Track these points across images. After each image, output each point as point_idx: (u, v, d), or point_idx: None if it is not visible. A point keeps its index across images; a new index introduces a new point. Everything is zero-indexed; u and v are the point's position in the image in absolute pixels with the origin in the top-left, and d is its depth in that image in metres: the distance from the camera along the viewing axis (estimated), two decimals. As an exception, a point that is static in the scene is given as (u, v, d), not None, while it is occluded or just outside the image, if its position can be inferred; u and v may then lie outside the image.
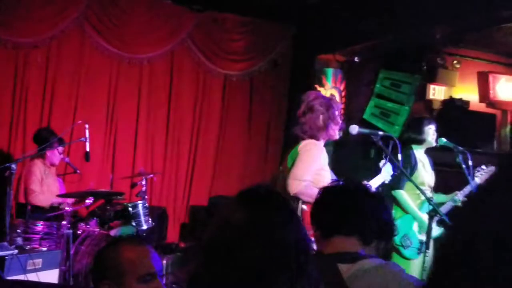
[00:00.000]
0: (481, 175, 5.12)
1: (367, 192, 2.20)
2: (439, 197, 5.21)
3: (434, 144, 5.16)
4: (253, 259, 1.50)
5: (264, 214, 1.57)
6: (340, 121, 4.12)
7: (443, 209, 4.93)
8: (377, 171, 4.35)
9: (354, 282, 1.90)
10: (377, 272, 1.94)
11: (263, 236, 1.53)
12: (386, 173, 4.32)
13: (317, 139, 4.03)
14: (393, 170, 4.27)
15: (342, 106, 7.62)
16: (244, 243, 1.52)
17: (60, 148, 5.94)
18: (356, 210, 2.10)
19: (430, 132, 5.13)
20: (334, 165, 4.28)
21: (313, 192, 3.80)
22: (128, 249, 2.16)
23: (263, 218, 1.56)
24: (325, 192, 2.22)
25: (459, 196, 4.97)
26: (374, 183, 4.25)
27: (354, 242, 2.06)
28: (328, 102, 4.08)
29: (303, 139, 4.06)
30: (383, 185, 4.32)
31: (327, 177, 4.00)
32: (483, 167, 5.16)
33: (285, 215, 1.61)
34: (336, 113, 4.07)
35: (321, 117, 4.02)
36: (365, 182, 4.18)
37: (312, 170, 3.92)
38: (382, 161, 4.31)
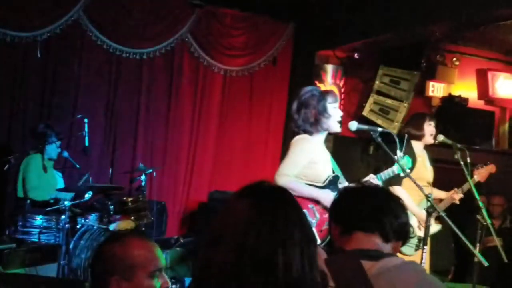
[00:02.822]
0: (480, 173, 5.14)
1: (388, 193, 2.27)
2: (439, 194, 5.23)
3: (432, 141, 5.17)
4: (260, 252, 1.51)
5: (269, 207, 1.59)
6: (332, 114, 4.04)
7: (441, 206, 4.95)
8: (377, 167, 4.35)
9: (378, 279, 1.91)
10: (401, 270, 1.96)
11: (269, 230, 1.54)
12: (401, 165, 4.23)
13: (310, 133, 4.02)
14: (411, 163, 4.22)
15: (342, 102, 7.63)
16: (250, 236, 1.53)
17: (58, 143, 5.94)
18: (378, 208, 2.14)
19: (430, 129, 5.14)
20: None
21: (296, 186, 3.82)
22: (138, 245, 2.13)
23: (268, 212, 1.58)
24: (346, 191, 2.29)
25: (458, 193, 5.00)
26: (385, 175, 4.21)
27: (375, 239, 2.09)
28: (320, 95, 4.03)
29: (297, 133, 4.06)
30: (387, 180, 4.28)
31: (319, 170, 3.98)
32: (483, 165, 5.18)
33: (289, 209, 1.62)
34: (328, 105, 4.01)
35: (313, 111, 4.01)
36: (371, 175, 4.16)
37: (298, 164, 3.90)
38: (398, 154, 4.27)
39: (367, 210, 2.13)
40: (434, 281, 2.01)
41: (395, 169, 4.22)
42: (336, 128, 4.10)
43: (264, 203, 1.59)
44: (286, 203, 1.64)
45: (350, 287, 1.87)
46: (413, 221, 5.00)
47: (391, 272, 1.95)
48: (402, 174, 4.35)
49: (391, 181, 4.67)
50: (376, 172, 4.29)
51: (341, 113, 4.10)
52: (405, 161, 4.24)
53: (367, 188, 2.28)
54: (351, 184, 3.88)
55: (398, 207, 2.18)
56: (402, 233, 2.16)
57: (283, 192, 1.70)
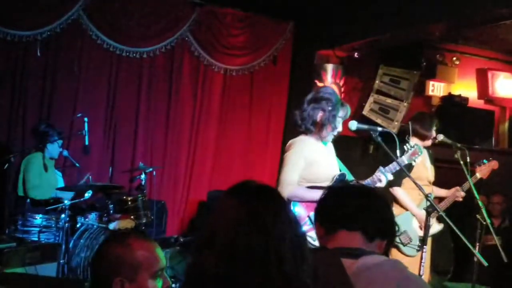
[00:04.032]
0: (482, 170, 5.13)
1: (372, 192, 2.26)
2: (440, 192, 5.23)
3: (430, 144, 5.17)
4: (252, 250, 1.52)
5: (258, 206, 1.60)
6: (338, 128, 4.05)
7: (442, 206, 4.95)
8: (376, 166, 4.33)
9: (358, 277, 1.90)
10: (381, 268, 1.95)
11: (260, 228, 1.55)
12: (408, 157, 4.22)
13: (309, 131, 4.00)
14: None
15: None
16: (241, 235, 1.54)
17: (59, 142, 5.95)
18: (361, 207, 2.13)
19: (434, 131, 5.12)
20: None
21: (302, 193, 3.81)
22: (140, 246, 2.12)
23: (257, 210, 1.59)
24: (330, 191, 2.26)
25: (460, 191, 5.00)
26: (392, 167, 4.18)
27: (358, 238, 2.08)
28: (335, 105, 3.99)
29: (299, 127, 4.03)
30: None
31: (319, 169, 3.95)
32: (484, 161, 5.17)
33: (278, 206, 1.63)
34: (339, 119, 4.01)
35: (321, 113, 3.98)
36: (380, 168, 4.13)
37: (297, 169, 3.88)
38: (409, 145, 4.25)
39: (350, 208, 2.12)
40: (416, 279, 2.00)
41: (404, 159, 4.18)
42: (330, 139, 4.10)
43: (252, 202, 1.60)
44: (274, 201, 1.65)
45: (330, 285, 1.86)
46: (414, 222, 5.00)
47: (371, 270, 1.94)
48: (414, 163, 4.31)
49: (390, 181, 4.67)
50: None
51: (341, 129, 4.09)
52: (417, 148, 4.22)
53: (351, 187, 2.27)
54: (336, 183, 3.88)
55: (382, 205, 2.17)
56: (386, 232, 2.14)
57: (271, 190, 1.71)
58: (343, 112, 4.04)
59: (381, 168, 4.11)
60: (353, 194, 2.20)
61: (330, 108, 3.96)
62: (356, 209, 2.12)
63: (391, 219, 2.19)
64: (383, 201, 2.21)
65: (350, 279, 1.88)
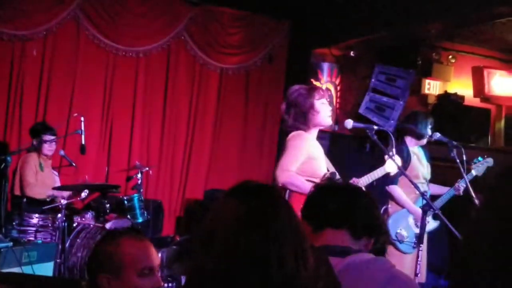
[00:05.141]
0: (478, 167, 5.13)
1: (358, 189, 2.30)
2: (440, 190, 5.22)
3: (425, 142, 5.17)
4: (252, 251, 1.52)
5: (258, 206, 1.60)
6: (320, 110, 4.02)
7: (439, 203, 4.95)
8: (372, 165, 4.34)
9: (345, 276, 1.91)
10: (368, 267, 1.96)
11: (260, 228, 1.55)
12: (391, 165, 4.23)
13: (304, 130, 4.04)
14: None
15: (338, 100, 7.64)
16: (241, 236, 1.54)
17: (54, 141, 5.92)
18: (346, 204, 2.14)
19: (429, 130, 5.12)
20: (329, 159, 4.27)
21: (299, 182, 3.82)
22: (129, 243, 2.16)
23: (257, 210, 1.59)
24: (317, 188, 2.27)
25: (455, 189, 5.00)
26: (375, 175, 4.20)
27: (344, 236, 2.08)
28: (306, 92, 4.06)
29: (291, 132, 4.07)
30: (378, 179, 4.28)
31: (317, 165, 3.99)
32: (480, 158, 5.17)
33: (278, 206, 1.63)
34: (316, 101, 4.02)
35: (302, 109, 4.03)
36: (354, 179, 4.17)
37: (297, 160, 3.91)
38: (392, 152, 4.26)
39: (335, 206, 2.13)
40: (403, 277, 2.00)
41: (388, 168, 4.21)
42: (327, 122, 4.12)
43: (252, 202, 1.60)
44: (275, 201, 1.65)
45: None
46: (410, 219, 5.01)
47: (358, 268, 1.95)
48: (392, 173, 4.33)
49: (387, 180, 4.66)
50: (372, 170, 4.28)
51: (330, 108, 4.11)
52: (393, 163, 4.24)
53: (337, 185, 2.28)
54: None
55: (368, 203, 2.18)
56: (373, 230, 2.14)
57: (271, 190, 1.71)
58: (318, 94, 4.09)
59: (354, 179, 4.14)
60: (339, 192, 2.21)
61: (303, 98, 4.03)
62: (342, 207, 2.13)
63: (378, 217, 2.20)
64: (369, 199, 2.21)
65: (337, 278, 1.88)
